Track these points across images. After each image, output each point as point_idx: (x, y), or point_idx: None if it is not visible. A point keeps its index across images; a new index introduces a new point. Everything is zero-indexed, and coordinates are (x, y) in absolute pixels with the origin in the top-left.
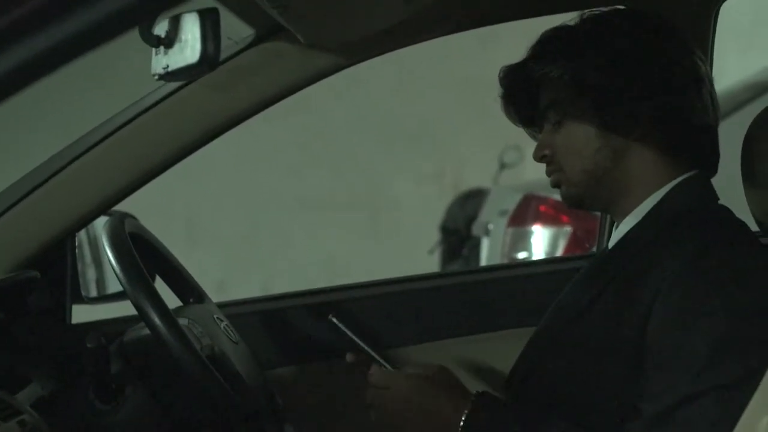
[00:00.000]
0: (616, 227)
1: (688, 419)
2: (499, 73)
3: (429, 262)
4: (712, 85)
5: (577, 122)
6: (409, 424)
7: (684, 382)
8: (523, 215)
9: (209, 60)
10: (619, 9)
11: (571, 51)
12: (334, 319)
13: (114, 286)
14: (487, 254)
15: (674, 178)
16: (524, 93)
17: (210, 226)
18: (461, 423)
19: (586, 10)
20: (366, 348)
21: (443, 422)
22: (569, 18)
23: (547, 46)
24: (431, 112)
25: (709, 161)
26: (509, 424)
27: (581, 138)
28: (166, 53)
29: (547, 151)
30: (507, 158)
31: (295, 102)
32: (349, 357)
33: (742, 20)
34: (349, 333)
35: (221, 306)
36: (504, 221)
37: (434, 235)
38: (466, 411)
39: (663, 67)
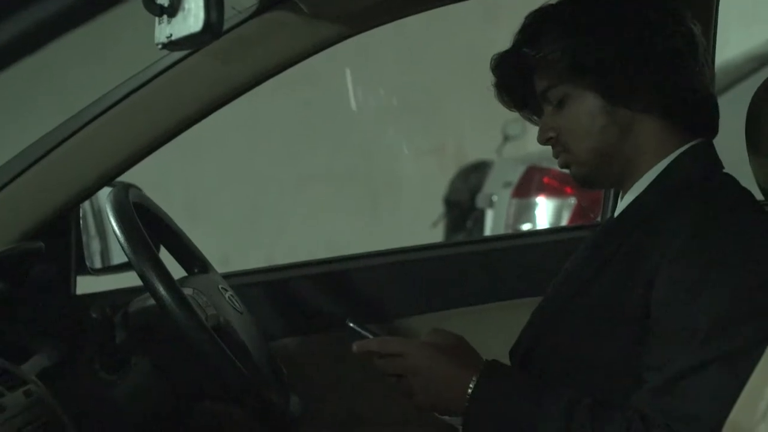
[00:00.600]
0: (622, 197)
1: (691, 389)
2: (491, 63)
3: (432, 237)
4: (705, 48)
5: (580, 101)
6: (422, 391)
7: (687, 353)
8: (527, 187)
9: (212, 29)
10: None
11: (565, 31)
12: (353, 324)
13: (119, 256)
14: (491, 226)
15: (677, 148)
16: (519, 79)
17: (210, 203)
18: (469, 390)
19: None
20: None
21: (454, 390)
22: None
23: (537, 28)
24: (434, 86)
25: (711, 127)
26: (517, 392)
27: (586, 116)
28: (169, 22)
29: (552, 133)
30: (510, 130)
31: (296, 75)
32: (356, 348)
33: None
34: (369, 336)
35: (226, 276)
36: (508, 193)
37: (437, 210)
38: (474, 377)
39: (657, 33)
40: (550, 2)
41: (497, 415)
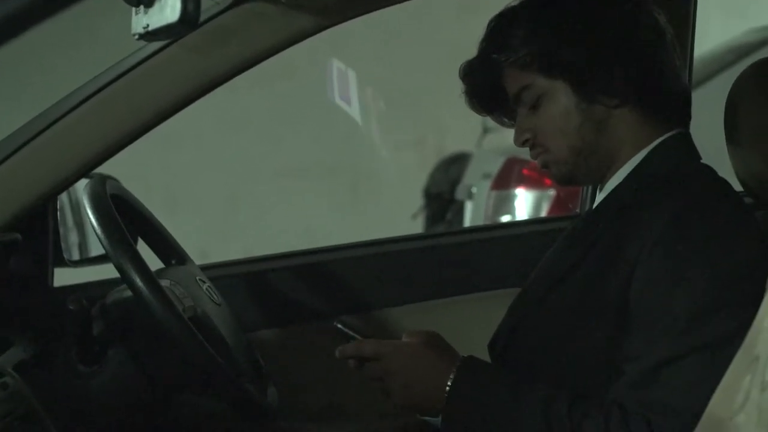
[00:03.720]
0: (600, 189)
1: (669, 380)
2: (460, 71)
3: (411, 229)
4: (674, 38)
5: (554, 100)
6: (401, 392)
7: (665, 344)
8: (506, 178)
9: (189, 19)
10: None
11: (533, 32)
12: (341, 326)
13: (96, 248)
14: (470, 218)
15: (656, 139)
16: (489, 84)
17: (189, 194)
18: (447, 387)
19: None
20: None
21: (432, 389)
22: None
23: (505, 33)
24: (413, 78)
25: (685, 116)
26: (494, 388)
27: (561, 115)
28: (146, 12)
29: (528, 135)
30: (489, 122)
31: (275, 68)
32: (338, 353)
33: None
34: (357, 338)
35: (204, 268)
36: (487, 184)
37: (416, 203)
38: (451, 375)
39: (626, 26)
40: (512, 4)
41: (476, 411)
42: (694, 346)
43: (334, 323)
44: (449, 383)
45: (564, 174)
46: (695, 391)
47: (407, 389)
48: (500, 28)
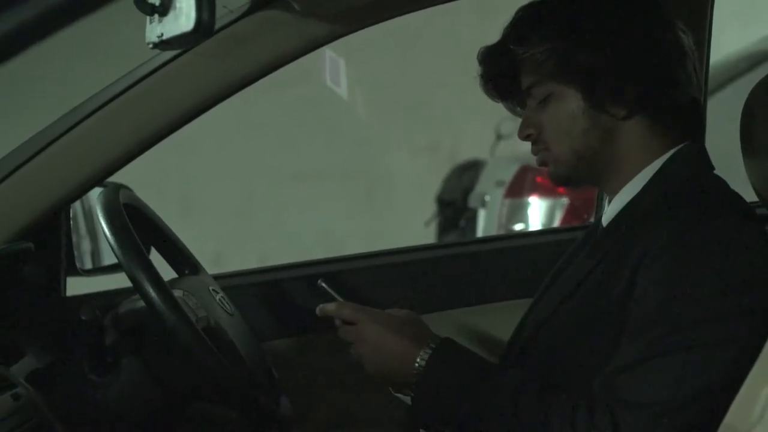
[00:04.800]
0: (609, 202)
1: (643, 375)
2: (478, 54)
3: (425, 235)
4: (694, 56)
5: (563, 101)
6: (371, 360)
7: (645, 342)
8: (519, 186)
9: (204, 28)
10: None
11: (554, 30)
12: (324, 284)
13: (109, 258)
14: (483, 225)
15: (666, 151)
16: (505, 73)
17: (205, 200)
18: (415, 363)
19: None
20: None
21: (402, 362)
22: None
23: (528, 26)
24: (427, 84)
25: (696, 133)
26: (466, 369)
27: (568, 117)
28: (160, 21)
29: (532, 130)
30: (503, 129)
31: (291, 73)
32: (319, 311)
33: None
34: (338, 298)
35: (216, 278)
36: (501, 192)
37: (430, 208)
38: (421, 352)
39: (647, 42)
40: None
41: (446, 393)
42: (673, 349)
43: (318, 281)
44: (418, 360)
45: (561, 175)
46: (669, 390)
47: (377, 358)
48: (524, 20)
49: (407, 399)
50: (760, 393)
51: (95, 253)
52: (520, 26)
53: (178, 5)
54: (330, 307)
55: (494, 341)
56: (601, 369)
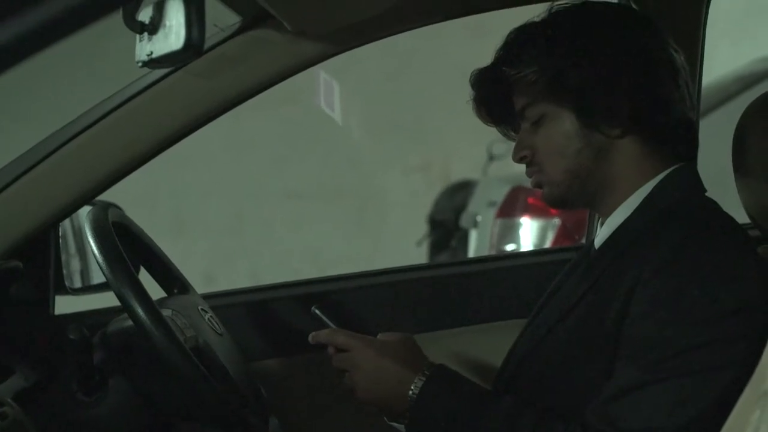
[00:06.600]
0: (602, 223)
1: (637, 401)
2: (471, 77)
3: (416, 254)
4: (687, 75)
5: (556, 121)
6: (364, 388)
7: (638, 368)
8: (511, 207)
9: (194, 47)
10: (589, 1)
11: (546, 52)
12: (318, 311)
13: (98, 276)
14: (475, 246)
15: (659, 173)
16: (498, 95)
17: (196, 218)
18: (409, 391)
19: (554, 3)
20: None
21: (396, 390)
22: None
23: (519, 47)
24: (419, 103)
25: (691, 152)
26: (460, 396)
27: (562, 137)
28: (150, 40)
29: (527, 152)
30: (495, 150)
31: (282, 92)
32: (312, 338)
33: (734, 10)
34: (332, 325)
35: (206, 297)
36: (492, 213)
37: (422, 227)
38: (415, 380)
39: (640, 61)
40: (534, 20)
41: (440, 420)
42: (666, 376)
43: (312, 308)
44: (412, 388)
45: (556, 196)
46: (663, 416)
47: (370, 386)
48: (516, 42)
49: (401, 428)
50: (750, 419)
51: (84, 272)
52: (511, 47)
53: (167, 24)
54: (323, 334)
55: (486, 362)
56: (594, 393)
